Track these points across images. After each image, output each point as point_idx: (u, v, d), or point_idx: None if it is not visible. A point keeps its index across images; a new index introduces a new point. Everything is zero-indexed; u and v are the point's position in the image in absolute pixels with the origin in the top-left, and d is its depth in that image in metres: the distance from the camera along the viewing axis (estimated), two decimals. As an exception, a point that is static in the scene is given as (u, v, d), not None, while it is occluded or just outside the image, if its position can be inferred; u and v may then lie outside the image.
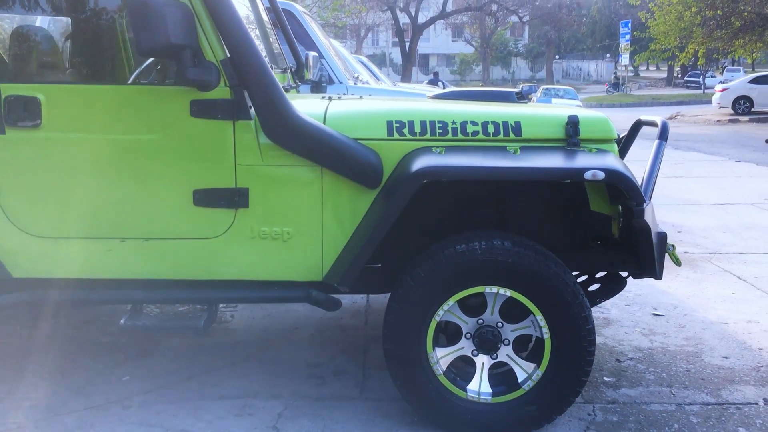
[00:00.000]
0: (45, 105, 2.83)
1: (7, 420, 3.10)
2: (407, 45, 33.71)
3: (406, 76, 33.35)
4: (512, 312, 2.84)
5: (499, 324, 2.85)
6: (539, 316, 2.76)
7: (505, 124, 2.91)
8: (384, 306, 4.38)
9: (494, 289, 2.76)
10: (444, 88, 12.82)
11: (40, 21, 4.28)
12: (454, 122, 2.91)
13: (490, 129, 2.90)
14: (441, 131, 2.90)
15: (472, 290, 2.78)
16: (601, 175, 2.63)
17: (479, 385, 2.88)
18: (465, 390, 2.87)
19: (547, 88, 29.03)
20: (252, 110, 2.85)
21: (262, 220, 2.92)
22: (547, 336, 2.77)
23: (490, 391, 2.87)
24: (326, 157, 2.84)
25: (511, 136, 2.89)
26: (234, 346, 3.93)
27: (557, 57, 69.23)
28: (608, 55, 67.76)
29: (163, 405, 3.23)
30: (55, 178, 2.90)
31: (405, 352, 2.84)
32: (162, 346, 3.93)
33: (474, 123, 2.91)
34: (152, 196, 2.91)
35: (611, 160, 2.75)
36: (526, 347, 2.93)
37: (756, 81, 24.66)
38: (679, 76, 56.38)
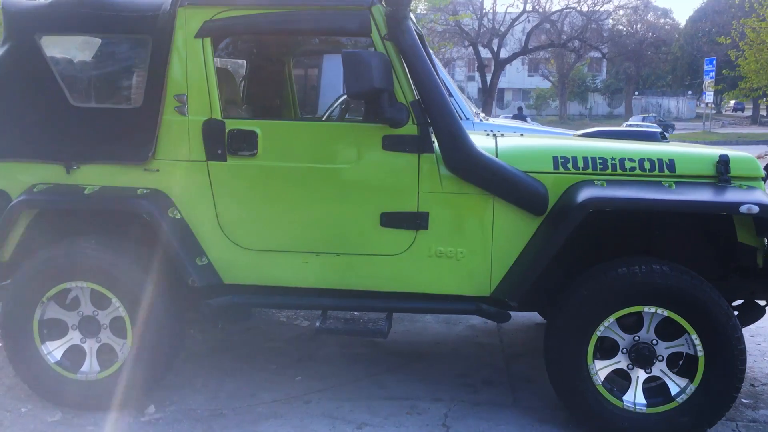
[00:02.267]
0: (261, 138, 3.33)
1: (210, 407, 3.58)
2: (488, 80, 34.13)
3: (486, 111, 33.74)
4: (667, 330, 3.15)
5: (654, 341, 3.16)
6: (694, 335, 3.06)
7: (660, 161, 3.26)
8: (514, 327, 4.76)
9: (652, 309, 3.09)
10: (528, 122, 13.12)
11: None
12: (613, 158, 3.28)
13: (647, 165, 3.25)
14: (602, 166, 3.26)
15: (631, 309, 3.11)
16: (756, 209, 2.94)
17: (634, 396, 3.19)
18: (622, 400, 3.18)
19: (630, 124, 28.87)
20: (435, 145, 3.28)
21: (439, 241, 3.34)
22: (701, 354, 3.07)
23: (645, 402, 3.17)
24: (500, 188, 3.24)
25: (666, 172, 3.24)
26: (385, 355, 4.33)
27: (636, 93, 68.20)
28: (690, 92, 66.33)
29: (340, 402, 3.66)
30: (265, 199, 3.39)
31: (567, 362, 3.18)
32: (321, 353, 4.38)
33: (631, 159, 3.27)
34: (345, 217, 3.36)
35: (762, 196, 3.06)
36: (676, 363, 3.22)
37: None
38: (767, 114, 54.73)
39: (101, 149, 3.41)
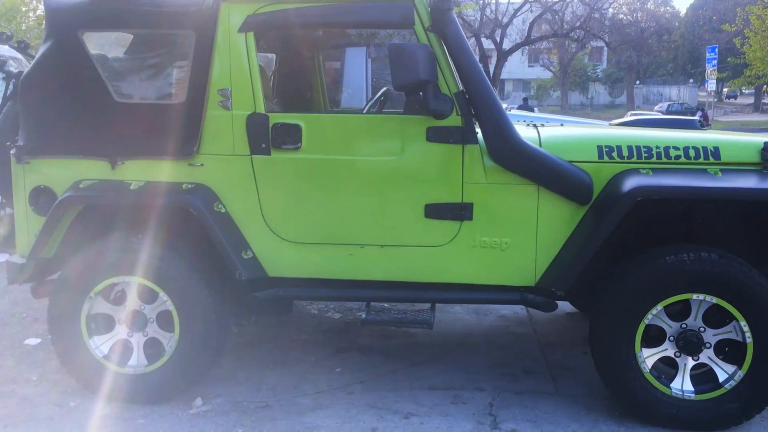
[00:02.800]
0: (305, 131, 3.35)
1: (255, 399, 3.61)
2: (491, 71, 34.07)
3: (489, 101, 33.56)
4: (714, 318, 3.17)
5: (702, 329, 3.18)
6: (743, 322, 3.08)
7: (705, 149, 3.27)
8: (546, 317, 4.79)
9: (701, 297, 3.11)
10: (535, 112, 13.13)
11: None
12: (657, 147, 3.29)
13: (691, 153, 3.27)
14: (647, 155, 3.28)
15: (680, 297, 3.13)
16: None
17: (682, 384, 3.22)
18: (669, 387, 3.21)
19: (634, 113, 28.84)
20: (479, 135, 3.29)
21: (483, 231, 3.35)
22: (750, 340, 3.09)
23: (693, 389, 3.20)
24: (545, 178, 3.25)
25: (711, 159, 3.26)
26: (420, 346, 4.36)
27: (638, 82, 68.03)
28: (691, 80, 66.16)
29: (383, 392, 3.68)
30: (309, 192, 3.40)
31: (615, 351, 3.21)
32: (355, 345, 4.41)
33: (676, 147, 3.28)
34: (390, 208, 3.38)
35: None
36: (723, 350, 3.24)
37: None
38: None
39: (146, 145, 3.42)
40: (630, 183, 3.11)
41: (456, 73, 3.31)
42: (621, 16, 46.63)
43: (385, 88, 4.14)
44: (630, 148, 3.30)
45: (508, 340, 4.50)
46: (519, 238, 3.35)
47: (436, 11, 3.24)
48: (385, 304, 3.77)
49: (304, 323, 4.82)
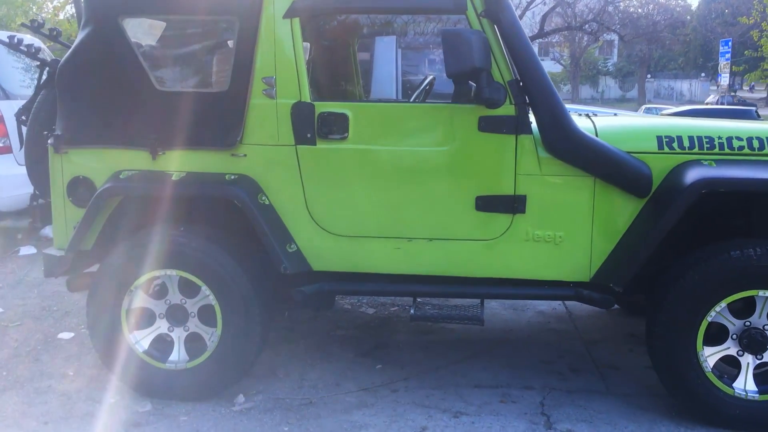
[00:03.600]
0: (352, 120, 3.24)
1: (298, 396, 3.51)
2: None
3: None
4: (779, 315, 3.05)
5: (766, 326, 3.06)
6: (811, 320, 2.96)
7: (770, 139, 3.14)
8: (585, 313, 4.67)
9: (767, 293, 2.98)
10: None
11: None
12: (720, 137, 3.17)
13: (755, 144, 3.15)
14: (708, 145, 3.16)
15: (745, 293, 3.01)
16: None
17: (745, 383, 3.10)
18: (732, 387, 3.09)
19: (648, 108, 28.62)
20: (533, 125, 3.17)
21: (536, 225, 3.24)
22: (818, 339, 2.97)
23: (756, 389, 3.08)
24: (604, 169, 3.14)
25: (776, 150, 3.13)
26: (460, 343, 4.25)
27: (649, 76, 67.57)
28: (703, 74, 65.67)
29: (428, 390, 3.58)
30: (356, 183, 3.30)
31: (676, 349, 3.09)
32: (394, 340, 4.31)
33: (739, 138, 3.16)
34: (440, 201, 3.27)
35: None
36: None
37: None
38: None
39: (188, 135, 3.32)
40: (693, 174, 2.99)
41: (509, 61, 3.19)
42: (632, 9, 46.28)
43: (431, 76, 4.03)
44: (691, 138, 3.18)
45: (550, 337, 4.38)
46: (574, 232, 3.24)
47: (491, -4, 3.12)
48: (433, 300, 3.66)
49: (338, 318, 4.72)
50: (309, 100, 3.26)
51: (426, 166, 3.25)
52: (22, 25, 4.11)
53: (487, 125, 3.19)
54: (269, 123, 3.29)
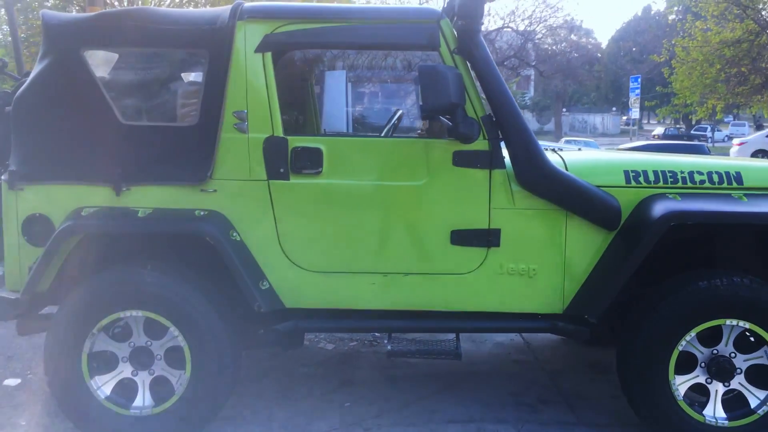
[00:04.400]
0: (326, 155, 3.21)
1: (268, 439, 3.39)
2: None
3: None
4: (744, 343, 3.16)
5: (733, 354, 3.17)
6: (775, 347, 3.08)
7: (728, 173, 3.29)
8: (542, 343, 4.73)
9: (734, 322, 3.10)
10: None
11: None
12: (682, 172, 3.29)
13: (715, 178, 3.28)
14: (672, 179, 3.28)
15: (713, 323, 3.11)
16: None
17: (714, 410, 3.19)
18: (703, 414, 3.17)
19: (568, 140, 29.61)
20: (506, 160, 3.22)
21: (510, 258, 3.27)
22: (783, 365, 3.09)
23: (726, 415, 3.17)
24: (575, 203, 3.20)
25: (734, 184, 3.27)
26: (425, 377, 4.22)
27: (564, 110, 70.04)
28: (614, 108, 68.58)
29: (402, 427, 3.53)
30: (330, 218, 3.25)
31: (648, 379, 3.15)
32: (358, 376, 4.24)
33: (700, 173, 3.29)
34: (415, 235, 3.26)
35: None
36: (752, 376, 3.21)
37: (773, 136, 25.31)
38: (683, 130, 57.11)
39: (154, 170, 3.21)
40: (661, 208, 3.09)
41: (482, 97, 3.23)
42: (546, 46, 48.12)
43: (399, 111, 4.04)
44: (656, 172, 3.29)
45: (513, 369, 4.41)
46: (547, 265, 3.28)
47: (463, 33, 3.17)
48: (406, 335, 3.63)
49: (298, 355, 4.60)
50: (282, 135, 3.21)
51: (401, 200, 3.25)
52: None
53: (461, 160, 3.22)
54: (241, 158, 3.21)
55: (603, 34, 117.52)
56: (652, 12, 59.04)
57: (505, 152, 3.25)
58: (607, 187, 3.26)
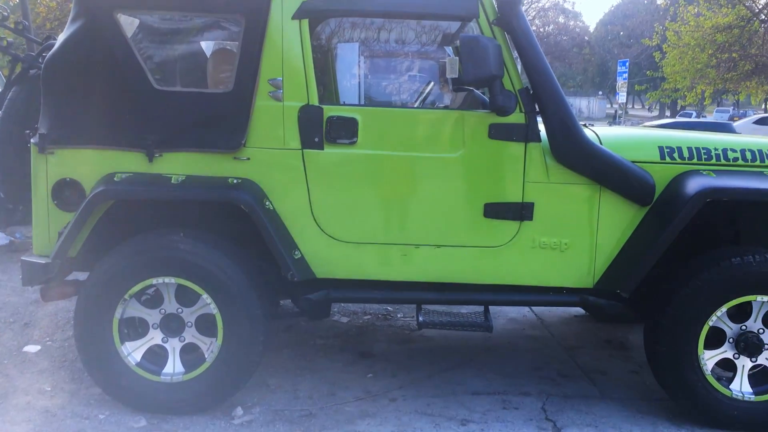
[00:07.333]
0: (362, 125, 3.18)
1: (296, 408, 3.40)
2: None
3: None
4: (772, 319, 3.20)
5: (761, 330, 3.21)
6: (803, 323, 3.13)
7: (760, 152, 3.32)
8: (556, 320, 4.76)
9: (765, 298, 3.13)
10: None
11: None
12: (716, 149, 3.31)
13: (748, 155, 3.31)
14: (706, 156, 3.29)
15: (745, 299, 3.14)
16: None
17: (741, 385, 3.23)
18: (730, 389, 3.22)
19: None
20: (542, 134, 3.22)
21: (543, 232, 3.28)
22: (810, 341, 3.14)
23: (752, 390, 3.22)
24: (610, 178, 3.21)
25: (766, 162, 3.29)
26: (444, 350, 4.24)
27: (551, 93, 69.71)
28: (600, 92, 68.73)
29: (427, 398, 3.55)
30: (363, 189, 3.24)
31: (678, 354, 3.19)
32: (377, 349, 4.25)
33: (733, 150, 3.31)
34: (448, 207, 3.25)
35: None
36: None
37: (760, 122, 25.49)
38: (668, 115, 57.45)
39: (187, 136, 3.17)
40: (696, 184, 3.11)
41: (520, 69, 3.22)
42: (534, 27, 48.06)
43: (431, 82, 4.01)
44: (690, 149, 3.30)
45: (529, 344, 4.44)
46: (579, 239, 3.29)
47: (504, 4, 3.15)
48: (435, 306, 3.63)
49: (314, 327, 4.61)
50: (317, 104, 3.18)
51: (435, 172, 3.23)
52: None
53: (497, 133, 3.21)
54: (275, 126, 3.18)
55: (591, 17, 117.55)
56: (642, -4, 59.09)
57: (540, 126, 3.24)
58: (642, 163, 3.27)
